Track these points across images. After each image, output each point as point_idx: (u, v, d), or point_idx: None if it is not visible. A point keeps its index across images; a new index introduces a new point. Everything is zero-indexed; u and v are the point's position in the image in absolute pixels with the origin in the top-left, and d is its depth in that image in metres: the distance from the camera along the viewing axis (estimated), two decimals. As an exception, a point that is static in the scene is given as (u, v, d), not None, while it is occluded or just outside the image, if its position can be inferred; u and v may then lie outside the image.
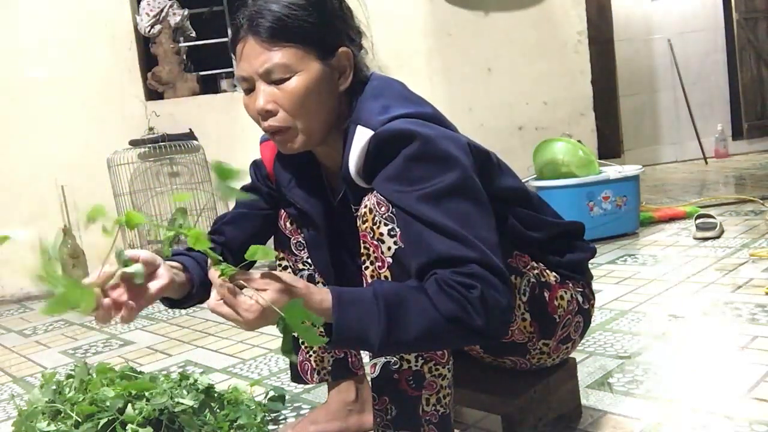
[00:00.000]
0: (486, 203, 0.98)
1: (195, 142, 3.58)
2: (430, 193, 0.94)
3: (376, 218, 0.98)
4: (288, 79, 1.03)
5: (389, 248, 0.98)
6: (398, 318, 0.87)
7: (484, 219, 0.96)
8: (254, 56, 1.03)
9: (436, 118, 1.05)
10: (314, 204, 1.22)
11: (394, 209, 0.97)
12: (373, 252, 0.99)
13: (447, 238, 0.91)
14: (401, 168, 0.96)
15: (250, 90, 1.06)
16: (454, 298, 0.88)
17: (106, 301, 0.94)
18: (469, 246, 0.90)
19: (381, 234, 0.98)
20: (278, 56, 1.02)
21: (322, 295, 0.89)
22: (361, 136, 1.01)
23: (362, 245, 1.01)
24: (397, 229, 0.97)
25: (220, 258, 0.90)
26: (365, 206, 1.00)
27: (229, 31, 3.84)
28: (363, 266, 1.02)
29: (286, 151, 1.11)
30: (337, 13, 1.08)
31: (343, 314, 0.88)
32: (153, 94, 3.75)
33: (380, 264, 0.99)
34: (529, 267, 1.14)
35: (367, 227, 1.00)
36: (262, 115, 1.06)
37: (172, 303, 1.13)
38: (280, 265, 1.37)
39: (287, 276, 0.88)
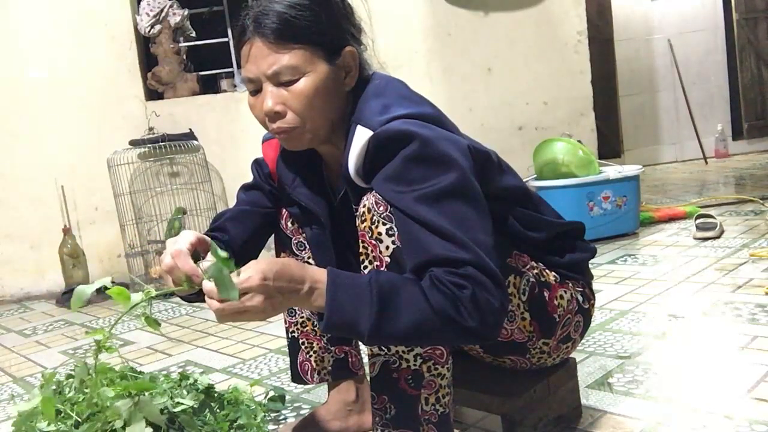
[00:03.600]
0: (483, 206, 0.98)
1: (195, 142, 3.58)
2: (427, 194, 0.94)
3: (375, 217, 0.99)
4: (296, 80, 1.03)
5: (387, 247, 0.98)
6: (390, 304, 0.88)
7: (481, 221, 0.96)
8: (261, 58, 1.02)
9: (436, 118, 1.05)
10: (318, 203, 1.22)
11: (392, 209, 0.98)
12: (372, 251, 1.00)
13: (442, 240, 0.91)
14: (399, 168, 0.96)
15: (256, 91, 1.07)
16: (445, 294, 0.88)
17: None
18: (464, 248, 0.91)
19: (379, 233, 0.98)
20: (286, 58, 1.01)
21: (318, 274, 0.92)
22: (361, 135, 1.01)
23: (361, 244, 1.01)
24: (396, 229, 0.97)
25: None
26: (364, 205, 1.01)
27: (230, 32, 3.86)
28: (362, 265, 1.02)
29: (292, 148, 1.11)
30: (342, 12, 1.08)
31: (336, 294, 0.89)
32: (153, 94, 3.75)
33: (378, 263, 0.99)
34: (528, 267, 1.14)
35: (365, 226, 1.00)
36: (270, 117, 1.06)
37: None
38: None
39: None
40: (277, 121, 1.06)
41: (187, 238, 1.06)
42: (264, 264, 0.88)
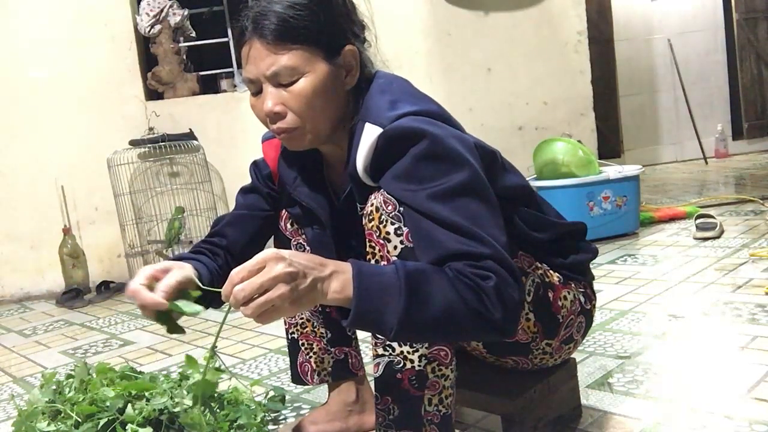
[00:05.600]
0: (495, 203, 0.98)
1: (195, 142, 3.58)
2: (440, 192, 0.93)
3: (383, 217, 0.98)
4: (295, 81, 1.02)
5: (395, 247, 0.98)
6: (418, 291, 0.86)
7: (494, 218, 0.96)
8: (260, 59, 1.02)
9: (442, 116, 1.05)
10: (320, 202, 1.21)
11: (401, 208, 0.97)
12: (379, 251, 0.99)
13: (459, 236, 0.91)
14: (410, 166, 0.96)
15: (257, 92, 1.06)
16: (469, 286, 0.87)
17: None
18: (483, 243, 0.90)
19: (387, 233, 0.98)
20: (285, 59, 1.01)
21: (341, 263, 0.88)
22: (370, 133, 1.01)
23: (368, 244, 1.01)
24: (404, 228, 0.97)
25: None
26: (372, 204, 1.00)
27: (230, 32, 3.86)
28: (368, 265, 1.01)
29: (293, 148, 1.11)
30: (341, 10, 1.07)
31: (363, 282, 0.85)
32: (153, 94, 3.75)
33: (386, 263, 0.98)
34: (533, 267, 1.14)
35: (373, 226, 0.99)
36: (271, 118, 1.05)
37: None
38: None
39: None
40: (278, 122, 1.05)
41: (143, 273, 1.00)
42: (273, 249, 0.86)
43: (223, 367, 1.02)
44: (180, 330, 0.99)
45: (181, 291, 1.00)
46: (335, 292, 0.86)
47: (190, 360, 0.98)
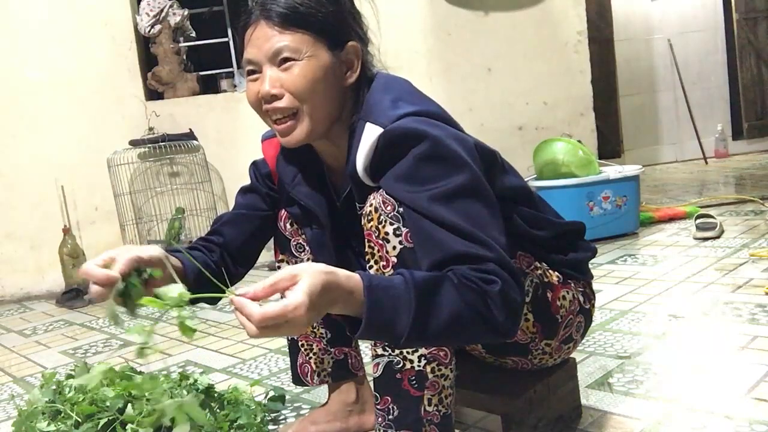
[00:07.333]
0: (495, 204, 0.98)
1: (195, 142, 3.58)
2: (441, 193, 0.93)
3: (382, 217, 0.98)
4: (296, 61, 1.03)
5: (394, 247, 0.98)
6: (428, 302, 0.86)
7: (495, 220, 0.96)
8: (265, 39, 1.03)
9: (443, 116, 1.05)
10: (319, 202, 1.21)
11: (400, 208, 0.97)
12: (378, 251, 0.99)
13: (462, 238, 0.91)
14: (411, 168, 0.96)
15: (254, 74, 1.06)
16: (474, 290, 0.87)
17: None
18: (485, 246, 0.91)
19: (386, 233, 0.98)
20: (288, 38, 1.02)
21: (352, 281, 0.85)
22: (370, 133, 1.01)
23: (367, 244, 1.01)
24: (403, 229, 0.97)
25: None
26: (371, 205, 1.00)
27: (230, 32, 3.86)
28: (367, 265, 1.01)
29: (288, 141, 1.09)
30: (348, 9, 1.09)
31: (374, 297, 0.84)
32: (153, 94, 3.75)
33: (385, 263, 0.99)
34: (532, 267, 1.14)
35: (372, 226, 0.99)
36: (267, 100, 1.05)
37: None
38: (279, 267, 1.37)
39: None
40: (273, 102, 1.05)
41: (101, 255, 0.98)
42: (307, 286, 0.78)
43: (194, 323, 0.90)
44: (190, 330, 0.84)
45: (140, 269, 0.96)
46: (344, 311, 0.85)
47: (151, 300, 0.84)
